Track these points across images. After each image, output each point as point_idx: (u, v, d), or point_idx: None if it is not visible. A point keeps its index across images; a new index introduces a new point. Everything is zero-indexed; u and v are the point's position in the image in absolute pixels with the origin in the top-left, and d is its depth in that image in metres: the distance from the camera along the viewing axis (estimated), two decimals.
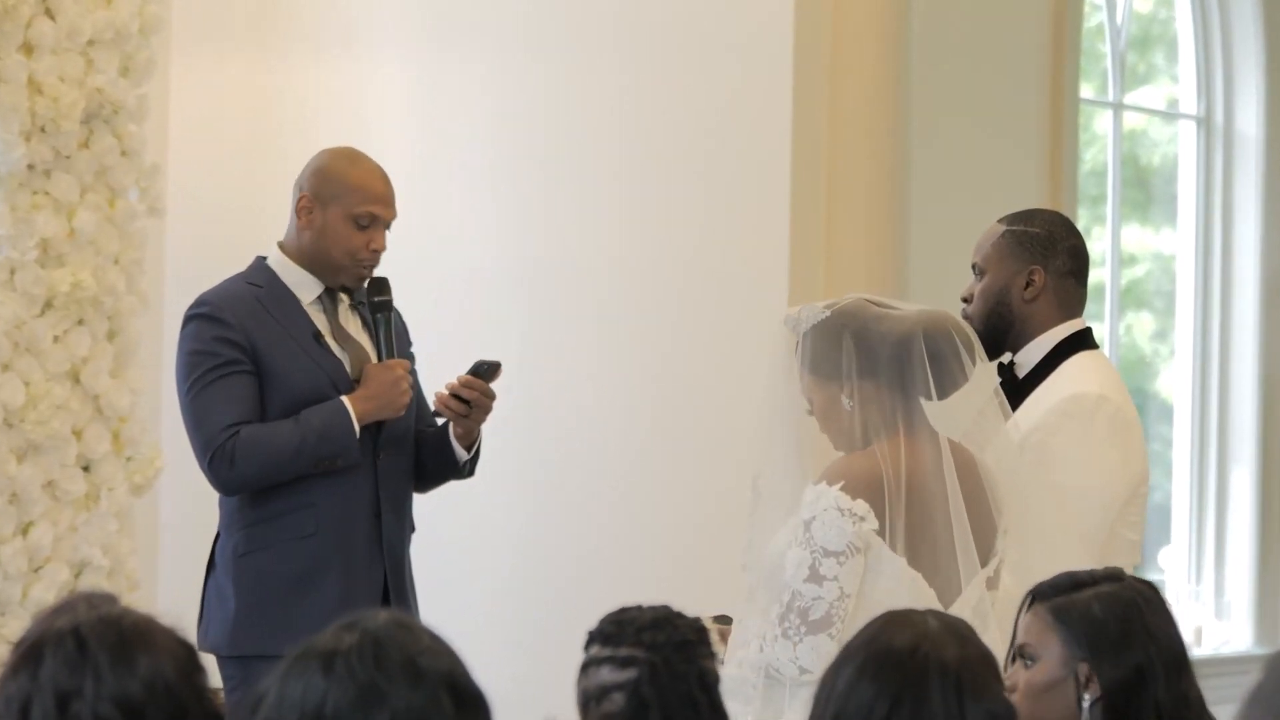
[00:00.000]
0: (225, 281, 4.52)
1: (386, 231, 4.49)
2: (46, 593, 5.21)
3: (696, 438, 5.91)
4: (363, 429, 4.40)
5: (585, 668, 2.72)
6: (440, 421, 4.56)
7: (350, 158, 4.53)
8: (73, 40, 5.29)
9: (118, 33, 5.38)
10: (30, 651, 2.17)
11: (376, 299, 4.50)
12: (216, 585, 4.46)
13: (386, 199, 4.48)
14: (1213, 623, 8.03)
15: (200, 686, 2.19)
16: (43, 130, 5.25)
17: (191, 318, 4.46)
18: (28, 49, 5.25)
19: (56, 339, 5.31)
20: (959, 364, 3.62)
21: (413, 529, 4.58)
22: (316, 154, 4.55)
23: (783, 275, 5.76)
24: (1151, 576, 7.29)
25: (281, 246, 4.52)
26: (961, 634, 2.47)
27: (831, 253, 5.87)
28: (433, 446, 4.55)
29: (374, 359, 4.48)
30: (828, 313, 3.63)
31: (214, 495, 6.24)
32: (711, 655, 2.73)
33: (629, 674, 2.67)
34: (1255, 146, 8.17)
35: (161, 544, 6.19)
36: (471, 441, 4.53)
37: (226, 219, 6.32)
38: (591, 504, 6.03)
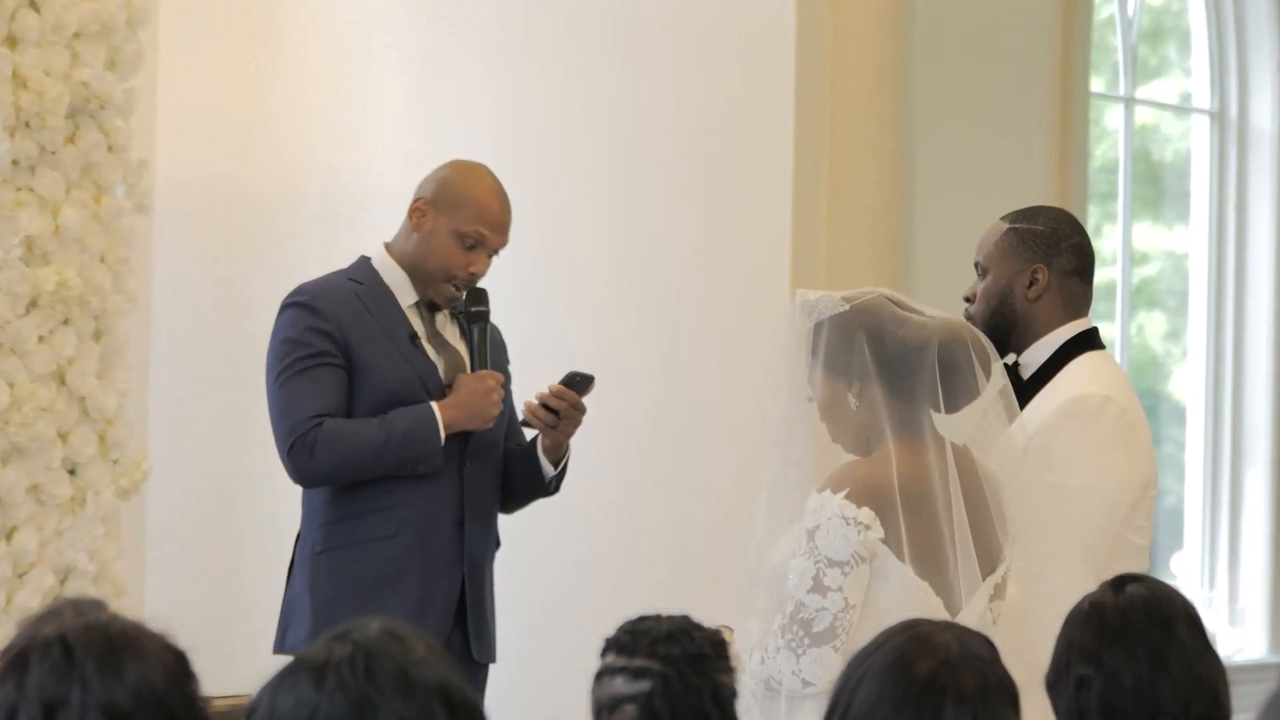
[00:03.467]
0: (326, 275, 4.50)
1: (493, 258, 4.44)
2: (31, 598, 5.20)
3: (696, 437, 5.92)
4: (450, 437, 4.36)
5: (599, 676, 2.72)
6: (529, 437, 4.54)
7: (478, 174, 4.50)
8: (58, 33, 5.27)
9: (104, 25, 5.35)
10: (16, 659, 2.14)
11: (474, 309, 4.47)
12: (294, 586, 4.45)
13: (501, 224, 4.44)
14: (1226, 630, 8.03)
15: (190, 694, 2.16)
16: (27, 125, 5.22)
17: (288, 306, 4.43)
18: (11, 42, 5.22)
19: (41, 339, 5.28)
20: (971, 379, 3.60)
21: (498, 544, 4.55)
22: (445, 163, 4.54)
23: (784, 275, 5.75)
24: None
25: (387, 247, 4.49)
26: (983, 658, 2.49)
27: (833, 252, 5.89)
28: (520, 461, 4.53)
29: (469, 367, 4.45)
30: (846, 306, 3.60)
31: (202, 500, 6.30)
32: (729, 669, 2.73)
33: (642, 686, 2.67)
34: (1270, 142, 8.19)
35: (149, 549, 6.18)
36: (560, 456, 4.51)
37: (216, 216, 6.31)
38: (590, 504, 6.04)
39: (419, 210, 4.45)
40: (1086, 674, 2.84)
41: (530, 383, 5.88)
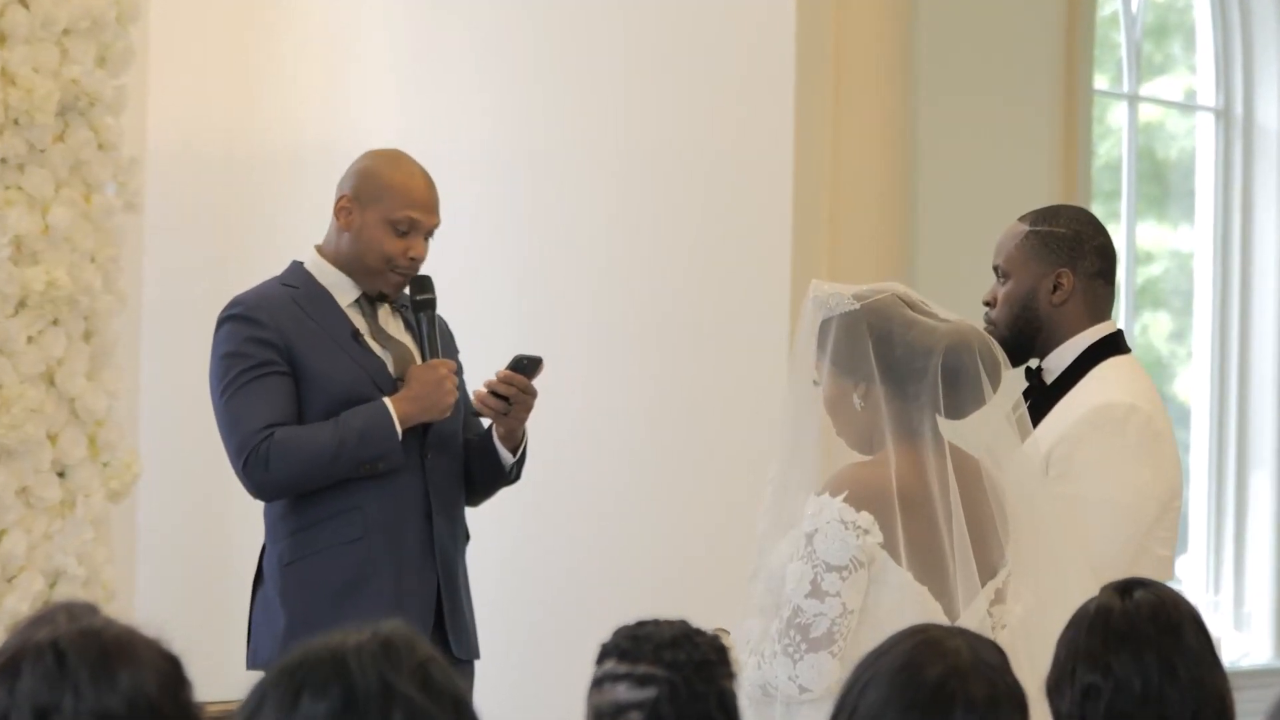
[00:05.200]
0: (260, 284, 4.45)
1: (428, 239, 4.40)
2: (20, 603, 5.19)
3: (694, 440, 5.90)
4: (409, 430, 4.32)
5: (599, 683, 2.67)
6: (485, 425, 4.49)
7: (393, 160, 4.46)
8: (47, 29, 5.26)
9: (94, 22, 5.35)
10: (7, 665, 2.12)
11: (419, 297, 4.43)
12: (264, 598, 4.39)
13: (428, 205, 4.40)
14: (1232, 634, 8.03)
15: (184, 701, 2.14)
16: (16, 123, 5.21)
17: (225, 320, 4.38)
18: (0, 39, 5.21)
19: (30, 340, 5.26)
20: (977, 387, 3.57)
21: (467, 537, 4.50)
22: (361, 155, 4.50)
23: (785, 276, 5.73)
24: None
25: (319, 250, 4.45)
26: (993, 666, 2.47)
27: (835, 252, 5.88)
28: (479, 453, 4.47)
29: (418, 359, 4.40)
30: (856, 305, 3.59)
31: (194, 503, 6.25)
32: (731, 675, 2.70)
33: (647, 693, 2.63)
34: (1276, 139, 8.22)
35: (139, 552, 6.17)
36: (516, 443, 4.45)
37: (207, 215, 6.30)
38: (587, 508, 6.06)
39: (344, 209, 4.39)
40: (1094, 681, 2.80)
41: None
